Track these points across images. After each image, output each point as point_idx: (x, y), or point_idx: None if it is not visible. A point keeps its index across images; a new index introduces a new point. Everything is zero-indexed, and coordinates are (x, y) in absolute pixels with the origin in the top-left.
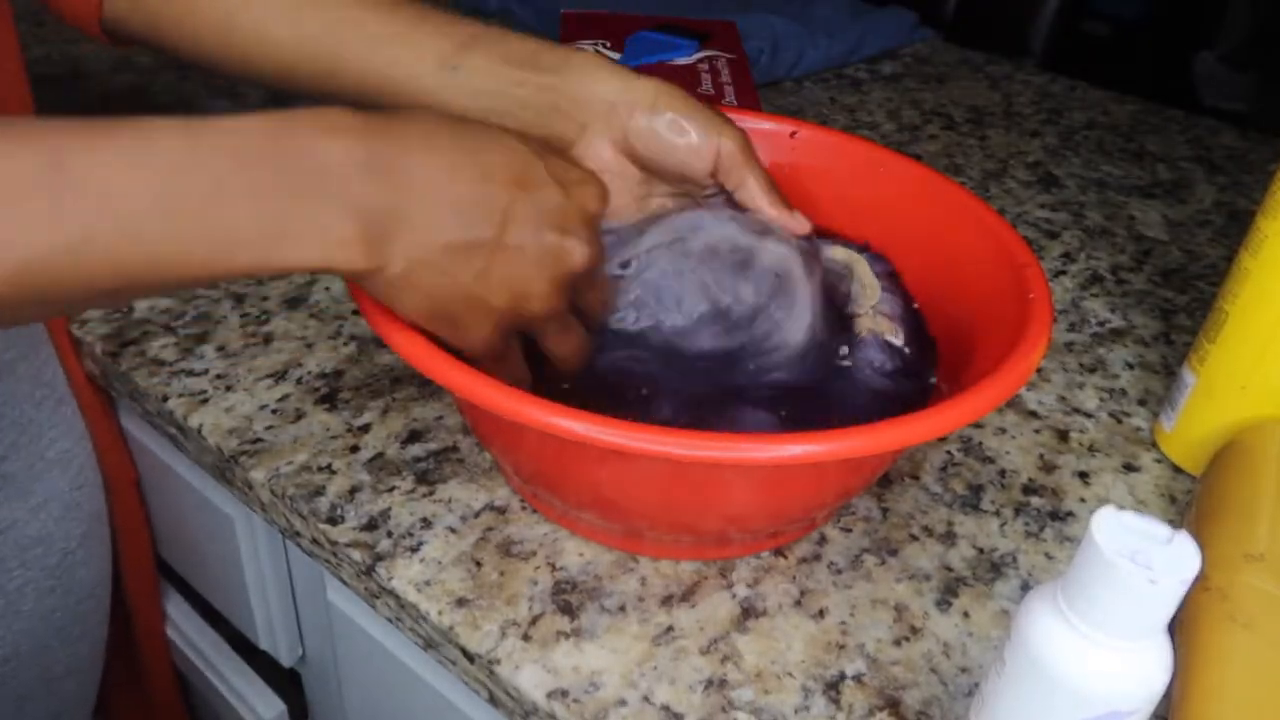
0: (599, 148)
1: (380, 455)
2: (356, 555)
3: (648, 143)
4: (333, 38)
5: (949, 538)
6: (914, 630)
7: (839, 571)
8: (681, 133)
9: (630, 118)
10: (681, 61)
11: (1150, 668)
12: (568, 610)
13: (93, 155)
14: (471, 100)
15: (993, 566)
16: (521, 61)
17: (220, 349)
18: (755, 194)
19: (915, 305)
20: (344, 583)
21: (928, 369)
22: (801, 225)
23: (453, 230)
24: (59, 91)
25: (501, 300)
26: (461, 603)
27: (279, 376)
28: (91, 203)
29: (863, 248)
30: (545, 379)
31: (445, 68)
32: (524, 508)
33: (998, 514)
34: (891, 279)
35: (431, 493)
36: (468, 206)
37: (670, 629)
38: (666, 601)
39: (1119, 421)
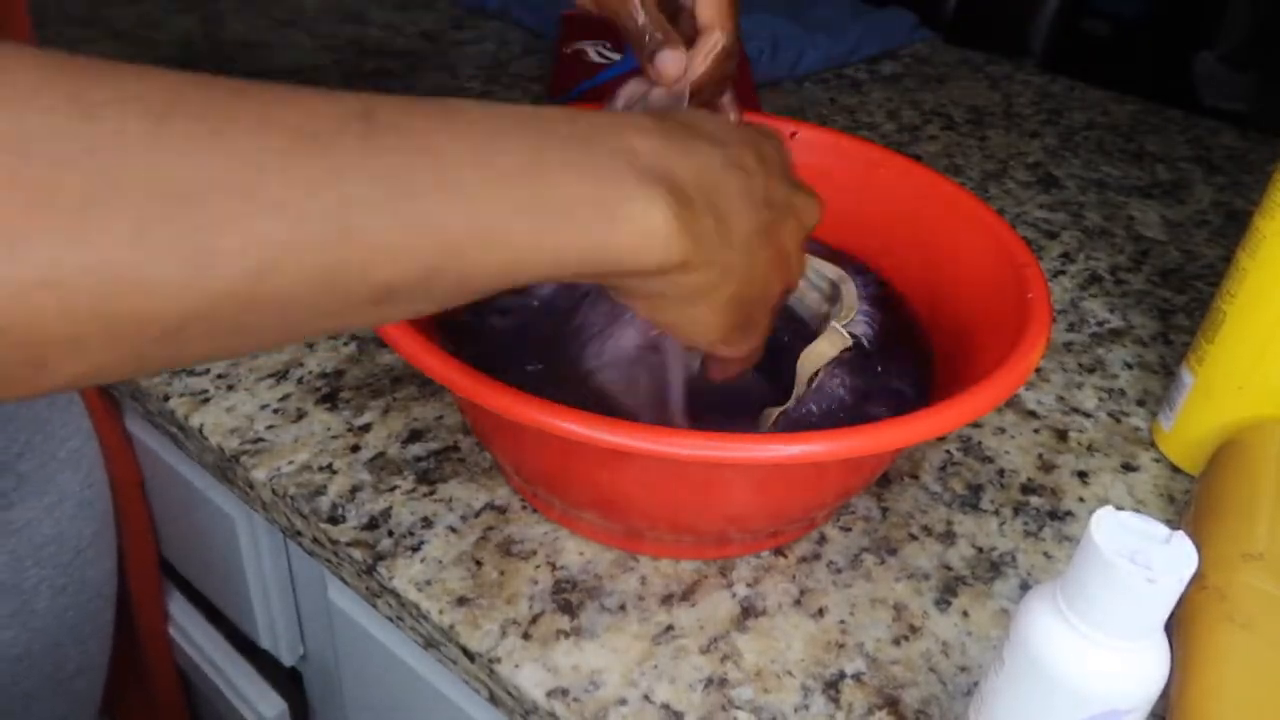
0: None
1: (381, 455)
2: (357, 554)
3: None
4: None
5: (948, 537)
6: (913, 629)
7: (839, 571)
8: None
9: None
10: None
11: (1148, 667)
12: (568, 609)
13: (402, 112)
14: None
15: (992, 566)
16: None
17: None
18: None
19: (906, 320)
20: (345, 582)
21: (888, 383)
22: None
23: (749, 215)
24: None
25: (781, 284)
26: (462, 602)
27: (280, 376)
28: (411, 156)
29: (861, 267)
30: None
31: None
32: (524, 507)
33: (997, 513)
34: (880, 301)
35: (432, 492)
36: (746, 189)
37: (670, 628)
38: (666, 601)
39: (1118, 421)
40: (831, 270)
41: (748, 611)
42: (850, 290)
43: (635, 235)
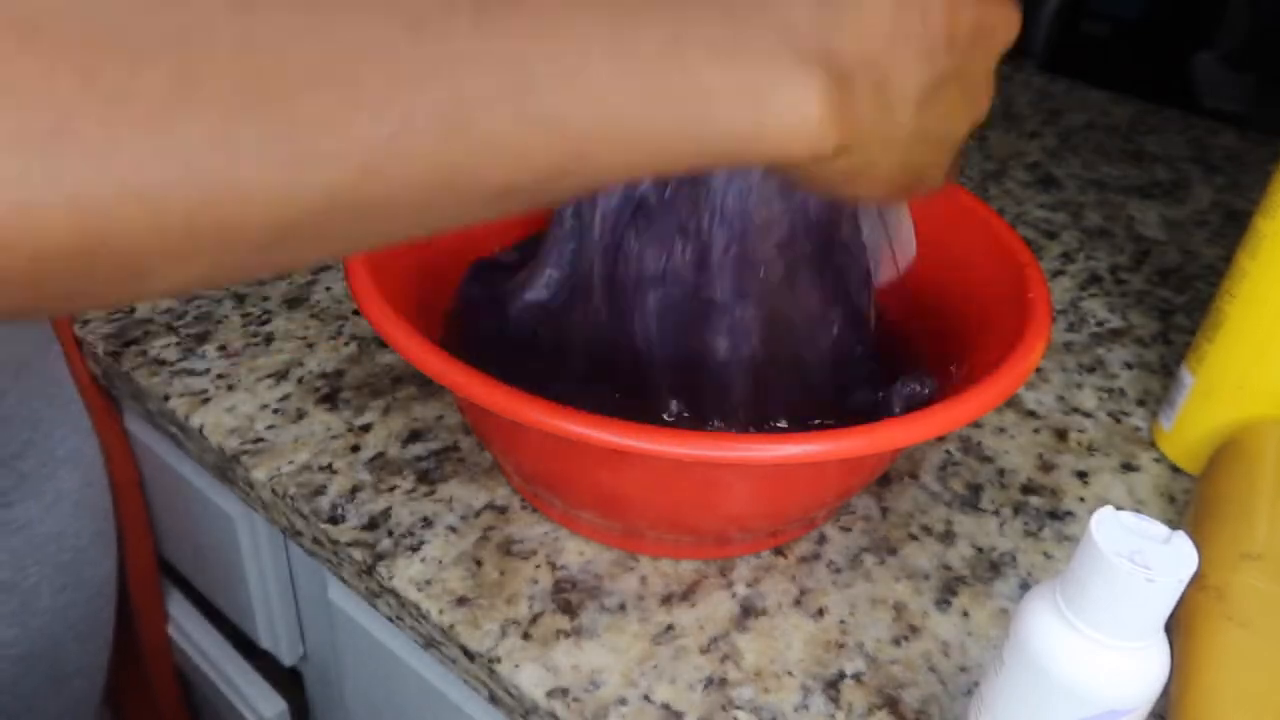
0: None
1: (381, 455)
2: (357, 554)
3: None
4: None
5: (948, 537)
6: (913, 629)
7: (838, 571)
8: None
9: None
10: None
11: (1148, 667)
12: (568, 609)
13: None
14: None
15: (992, 566)
16: None
17: (221, 349)
18: None
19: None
20: (345, 582)
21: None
22: None
23: (922, 73)
24: None
25: (967, 123)
26: (462, 601)
27: (280, 376)
28: (530, 41)
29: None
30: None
31: None
32: (524, 507)
33: (997, 513)
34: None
35: (432, 492)
36: (921, 45)
37: (670, 628)
38: (666, 600)
39: (1118, 421)
40: None
41: (748, 611)
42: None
43: (785, 126)
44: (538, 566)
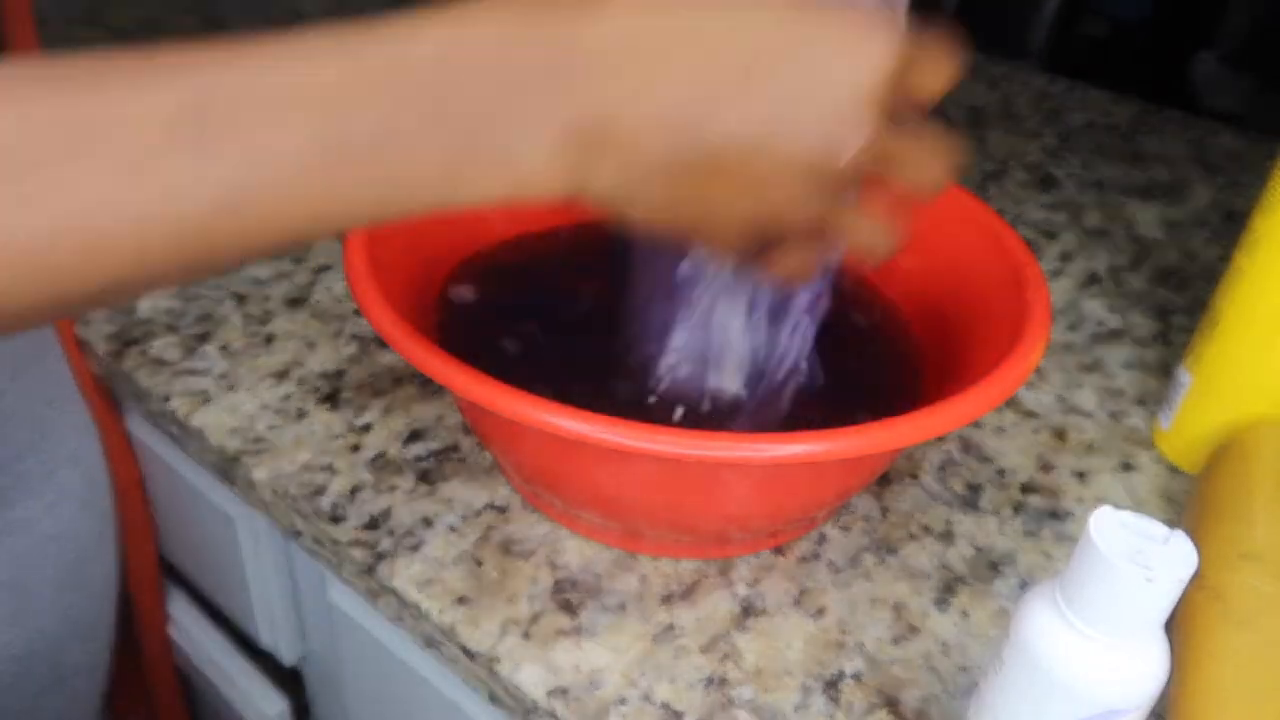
0: None
1: (381, 454)
2: (358, 554)
3: None
4: None
5: (948, 537)
6: (913, 629)
7: (838, 570)
8: None
9: None
10: None
11: (1148, 666)
12: (568, 609)
13: (239, 103)
14: None
15: (991, 565)
16: None
17: (222, 348)
18: None
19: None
20: (345, 581)
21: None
22: None
23: (670, 144)
24: None
25: (747, 210)
26: (462, 601)
27: (281, 376)
28: (243, 162)
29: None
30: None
31: None
32: (524, 507)
33: (996, 513)
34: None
35: (432, 492)
36: (690, 102)
37: (670, 627)
38: (666, 600)
39: (1117, 421)
40: None
41: (748, 611)
42: None
43: (502, 185)
44: (538, 566)
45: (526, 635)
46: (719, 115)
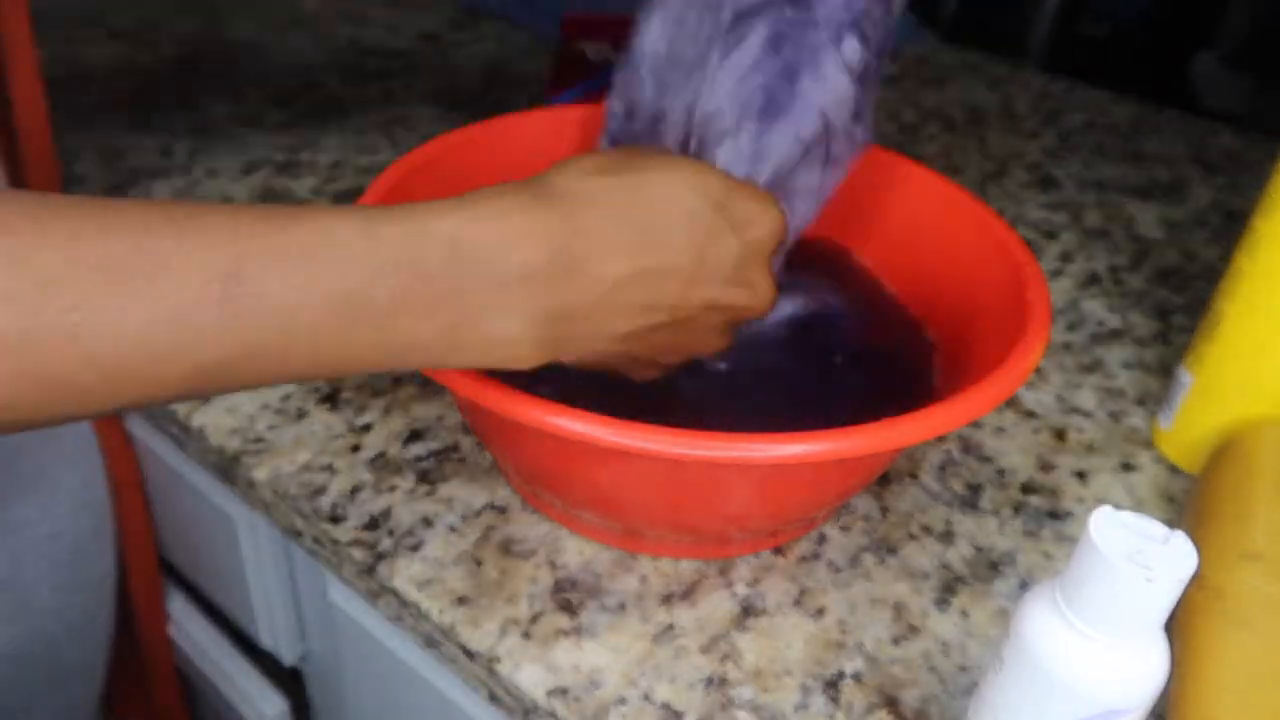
0: None
1: (381, 454)
2: (358, 554)
3: None
4: None
5: (948, 537)
6: (913, 629)
7: (838, 570)
8: None
9: None
10: None
11: (1147, 666)
12: (568, 609)
13: (271, 266)
14: None
15: (991, 565)
16: None
17: None
18: None
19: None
20: (345, 582)
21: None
22: None
23: (627, 323)
24: (60, 93)
25: (675, 359)
26: (462, 601)
27: None
28: (268, 318)
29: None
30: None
31: None
32: (524, 507)
33: (996, 513)
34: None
35: (432, 492)
36: (645, 296)
37: (670, 627)
38: (666, 600)
39: (1117, 421)
40: None
41: (748, 611)
42: None
43: (485, 358)
44: (538, 566)
45: (526, 635)
46: (672, 294)
